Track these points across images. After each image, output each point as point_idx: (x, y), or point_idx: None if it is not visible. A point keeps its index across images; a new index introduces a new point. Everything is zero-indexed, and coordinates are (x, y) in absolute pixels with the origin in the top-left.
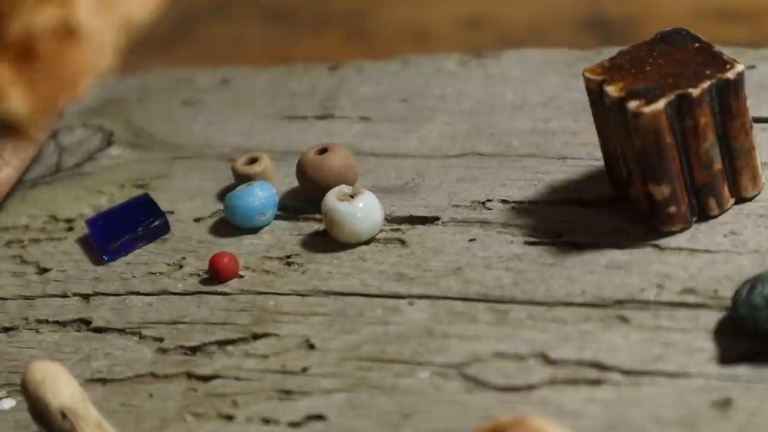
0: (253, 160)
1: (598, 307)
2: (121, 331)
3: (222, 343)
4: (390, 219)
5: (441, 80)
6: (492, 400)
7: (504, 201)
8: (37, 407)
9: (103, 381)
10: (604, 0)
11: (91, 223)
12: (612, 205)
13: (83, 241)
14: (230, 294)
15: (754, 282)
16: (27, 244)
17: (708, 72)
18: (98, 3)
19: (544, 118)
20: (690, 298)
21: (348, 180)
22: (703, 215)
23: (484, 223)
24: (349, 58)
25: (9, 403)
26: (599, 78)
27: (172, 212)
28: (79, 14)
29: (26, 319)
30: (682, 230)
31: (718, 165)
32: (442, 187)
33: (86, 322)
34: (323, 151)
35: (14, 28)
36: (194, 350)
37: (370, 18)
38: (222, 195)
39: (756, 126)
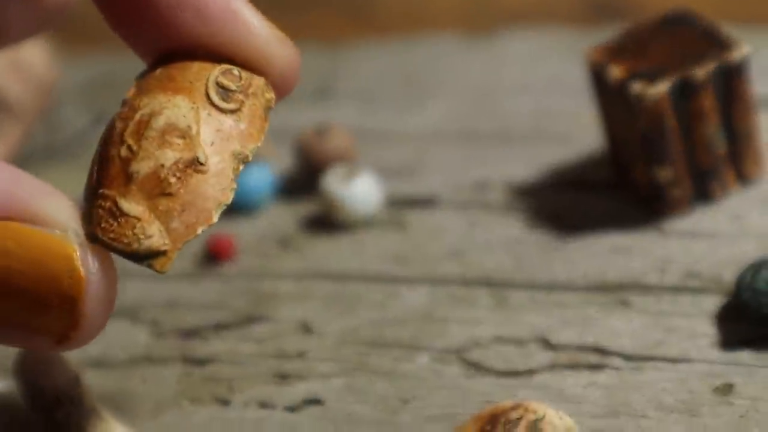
0: None
1: (600, 292)
2: (115, 314)
3: (218, 327)
4: (389, 201)
5: (442, 60)
6: (492, 384)
7: (505, 183)
8: (31, 391)
9: (97, 365)
10: None
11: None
12: (614, 188)
13: None
14: (226, 277)
15: (757, 266)
16: None
17: (712, 54)
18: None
19: (547, 99)
20: (693, 283)
21: (346, 161)
22: (707, 199)
23: (484, 205)
24: (348, 37)
25: (1, 387)
26: (601, 59)
27: None
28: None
29: None
30: (685, 214)
31: (721, 148)
32: (443, 169)
33: None
34: (322, 131)
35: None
36: (190, 334)
37: None
38: None
39: (761, 108)
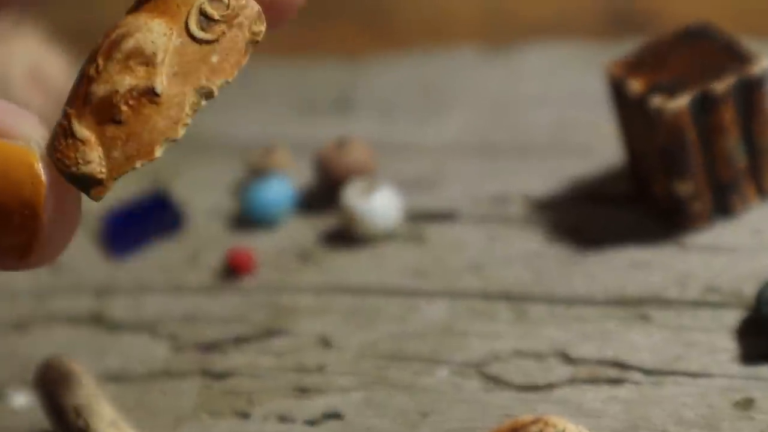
0: (269, 153)
1: (620, 306)
2: (135, 327)
3: (237, 340)
4: (408, 214)
5: (460, 72)
6: (511, 399)
7: (524, 196)
8: (51, 405)
9: (116, 379)
10: None
11: (104, 217)
12: (634, 201)
13: (96, 236)
14: (245, 290)
15: None
16: None
17: (732, 67)
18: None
19: (566, 111)
20: (713, 297)
21: (366, 174)
22: (727, 213)
23: (504, 218)
24: (367, 49)
25: (22, 401)
26: (621, 72)
27: (186, 206)
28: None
29: (37, 315)
30: (705, 228)
31: (742, 162)
32: (462, 182)
33: (99, 319)
34: (341, 144)
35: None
36: (209, 348)
37: (388, 8)
38: (237, 189)
39: None
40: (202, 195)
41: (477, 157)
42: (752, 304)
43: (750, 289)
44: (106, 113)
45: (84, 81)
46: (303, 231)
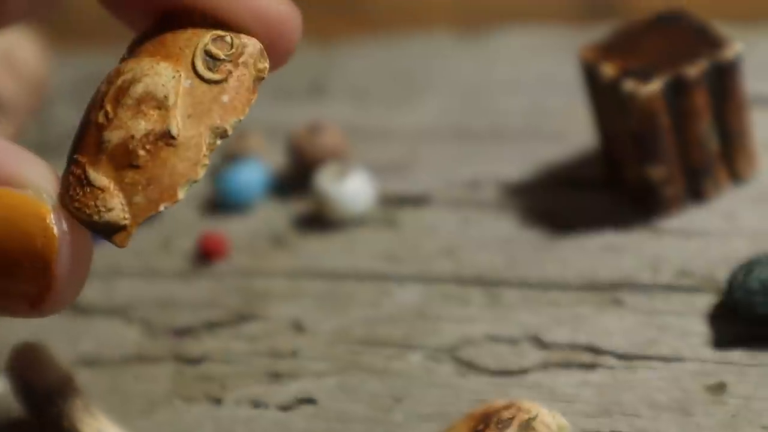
0: (242, 138)
1: (593, 290)
2: (108, 312)
3: (210, 326)
4: (382, 198)
5: (434, 57)
6: (484, 383)
7: (498, 181)
8: (23, 390)
9: (90, 364)
10: None
11: None
12: (607, 186)
13: None
14: (218, 275)
15: (750, 265)
16: None
17: (705, 52)
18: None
19: (539, 96)
20: (685, 282)
21: (339, 159)
22: (700, 197)
23: (477, 203)
24: (341, 34)
25: None
26: (594, 57)
27: None
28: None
29: None
30: (677, 212)
31: (714, 147)
32: (435, 167)
33: (72, 304)
34: (314, 129)
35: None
36: (182, 333)
37: None
38: (210, 173)
39: (754, 106)
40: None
41: (450, 141)
42: (725, 288)
43: (722, 274)
44: (123, 159)
45: (93, 128)
46: (276, 215)
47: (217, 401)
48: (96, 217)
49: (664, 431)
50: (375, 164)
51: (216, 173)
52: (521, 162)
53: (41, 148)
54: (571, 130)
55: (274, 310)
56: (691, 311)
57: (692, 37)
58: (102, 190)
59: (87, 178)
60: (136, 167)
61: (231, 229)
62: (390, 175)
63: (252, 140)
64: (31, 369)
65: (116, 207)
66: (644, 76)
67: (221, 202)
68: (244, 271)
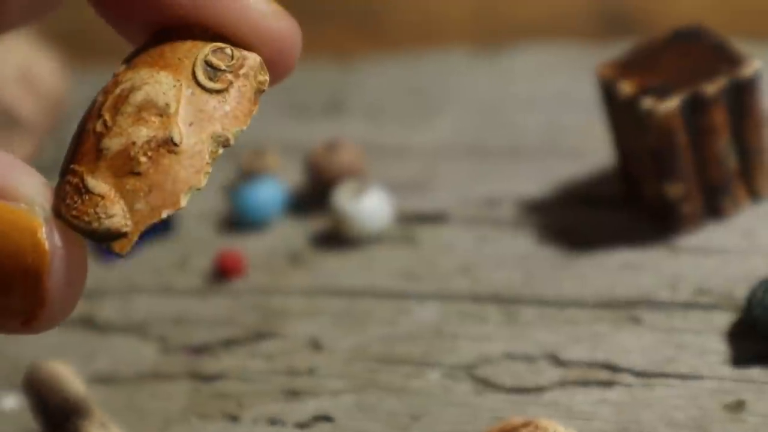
0: (259, 155)
1: (610, 308)
2: (124, 329)
3: (227, 343)
4: (399, 216)
5: (451, 74)
6: (502, 401)
7: (515, 198)
8: (40, 407)
9: (106, 381)
10: None
11: None
12: (625, 204)
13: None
14: (235, 293)
15: None
16: None
17: (723, 69)
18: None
19: (556, 114)
20: (704, 299)
21: (356, 176)
22: (718, 215)
23: (494, 221)
24: (358, 51)
25: (11, 403)
26: (612, 74)
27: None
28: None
29: None
30: (696, 230)
31: (732, 164)
32: (452, 184)
33: (89, 321)
34: (331, 146)
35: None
36: (198, 350)
37: (379, 10)
38: (227, 191)
39: None
40: (193, 197)
41: (468, 159)
42: (743, 306)
43: (741, 291)
44: (123, 166)
45: (89, 137)
46: (293, 233)
47: (234, 419)
48: (96, 224)
49: None
50: (392, 182)
51: (233, 191)
52: (538, 179)
53: (58, 166)
54: (589, 148)
55: (291, 327)
56: (710, 329)
57: (710, 54)
58: (102, 197)
59: (85, 186)
60: (138, 174)
61: (248, 246)
62: (407, 193)
63: (269, 158)
64: (47, 386)
65: (117, 213)
66: (662, 93)
67: (238, 220)
68: (261, 288)
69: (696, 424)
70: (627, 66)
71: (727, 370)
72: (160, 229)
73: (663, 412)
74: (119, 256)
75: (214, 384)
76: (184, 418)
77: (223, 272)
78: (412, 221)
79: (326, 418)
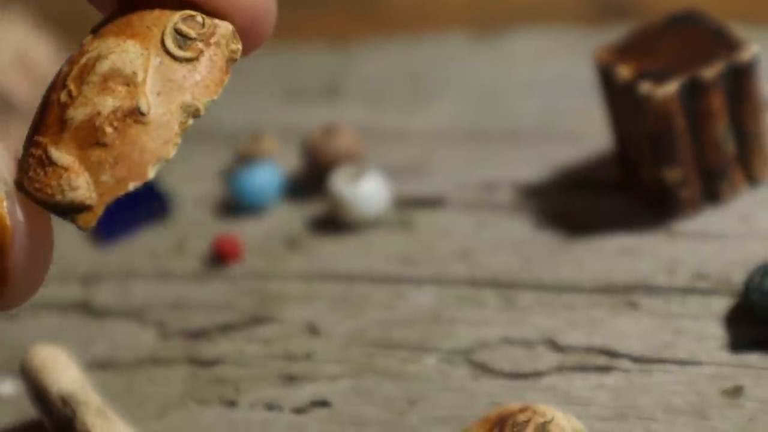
0: (256, 140)
1: (608, 293)
2: (122, 314)
3: (224, 328)
4: (396, 201)
5: (449, 59)
6: (499, 386)
7: (512, 183)
8: (37, 392)
9: (104, 366)
10: None
11: None
12: (622, 188)
13: None
14: (233, 277)
15: (766, 268)
16: None
17: (721, 54)
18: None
19: (554, 98)
20: (701, 284)
21: (354, 161)
22: (716, 200)
23: (492, 205)
24: (355, 35)
25: (8, 388)
26: (610, 59)
27: (173, 193)
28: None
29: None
30: (693, 214)
31: (730, 148)
32: (450, 169)
33: (86, 306)
34: (328, 131)
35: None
36: (196, 335)
37: None
38: (224, 175)
39: None
40: (190, 182)
41: (465, 143)
42: (741, 291)
43: (738, 276)
44: (88, 137)
45: (53, 107)
46: (290, 218)
47: (231, 404)
48: (59, 197)
49: None
50: (390, 166)
51: (230, 175)
52: (536, 164)
53: None
54: (587, 132)
55: (288, 312)
56: (708, 314)
57: (708, 38)
58: (66, 168)
59: (49, 157)
60: (103, 145)
61: (245, 231)
62: (405, 178)
63: (266, 142)
64: (44, 371)
65: (81, 186)
66: (660, 77)
67: (235, 205)
68: (258, 273)
69: (694, 409)
70: (625, 50)
71: (725, 356)
72: (158, 212)
73: (661, 397)
74: (83, 230)
75: (212, 369)
76: (181, 403)
77: (221, 257)
78: (410, 206)
79: (323, 403)
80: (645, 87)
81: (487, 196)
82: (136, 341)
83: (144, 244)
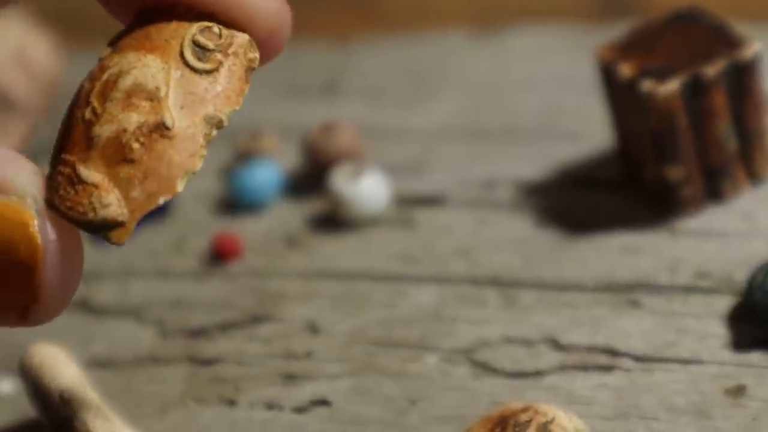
0: (256, 137)
1: (610, 292)
2: (121, 313)
3: (224, 327)
4: (397, 199)
5: (449, 56)
6: (501, 385)
7: (513, 181)
8: (36, 391)
9: (103, 365)
10: None
11: None
12: (624, 186)
13: None
14: (232, 276)
15: None
16: None
17: (723, 51)
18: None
19: (555, 95)
20: (704, 283)
21: (354, 158)
22: (718, 197)
23: (492, 203)
24: (355, 33)
25: (7, 387)
26: (611, 57)
27: None
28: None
29: None
30: (695, 213)
31: (733, 146)
32: (450, 167)
33: (85, 304)
34: (328, 128)
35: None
36: (196, 334)
37: None
38: (224, 172)
39: None
40: (189, 179)
41: (465, 141)
42: (744, 290)
43: (741, 275)
44: (116, 154)
45: (79, 125)
46: (290, 216)
47: (231, 403)
48: (92, 215)
49: None
50: (390, 164)
51: (230, 173)
52: (537, 162)
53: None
54: (588, 130)
55: (288, 311)
56: (710, 313)
57: (710, 36)
58: (96, 186)
59: (78, 175)
60: (131, 161)
61: (245, 229)
62: (405, 175)
63: (266, 140)
64: (43, 370)
65: (113, 203)
66: (662, 75)
67: (235, 202)
68: (258, 271)
69: (696, 409)
70: (626, 48)
71: (728, 355)
72: (156, 212)
73: (663, 396)
74: (116, 245)
75: (212, 368)
76: (181, 402)
77: (220, 255)
78: (410, 204)
79: (323, 402)
80: (647, 85)
81: (487, 194)
82: (135, 340)
83: (143, 243)
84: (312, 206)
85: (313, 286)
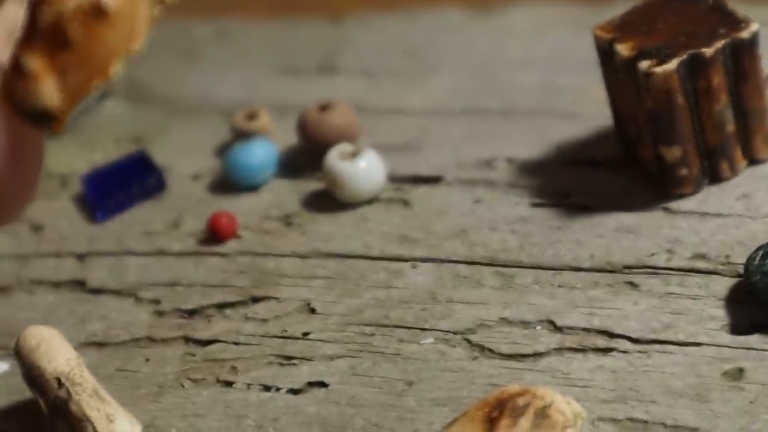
0: (252, 116)
1: (607, 272)
2: (117, 292)
3: (220, 306)
4: (393, 178)
5: (446, 34)
6: (498, 367)
7: (510, 160)
8: (32, 373)
9: (99, 345)
10: None
11: (86, 179)
12: (621, 166)
13: (77, 199)
14: (228, 255)
15: (766, 248)
16: None
17: (722, 31)
18: None
19: (552, 74)
20: (701, 264)
21: (350, 138)
22: (715, 178)
23: (489, 183)
24: (351, 9)
25: (3, 367)
26: (610, 36)
27: (169, 169)
28: None
29: (20, 279)
30: (693, 193)
31: (730, 126)
32: (447, 146)
33: (81, 283)
34: (324, 107)
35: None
36: (192, 313)
37: None
38: (220, 151)
39: None
40: (185, 157)
41: (462, 120)
42: (741, 272)
43: (738, 256)
44: (55, 39)
45: (31, 15)
46: (286, 195)
47: (228, 384)
48: (31, 103)
49: (680, 418)
50: (386, 143)
51: (226, 151)
52: (534, 141)
53: None
54: (585, 109)
55: (285, 291)
56: (707, 295)
57: (708, 16)
58: (34, 74)
59: (21, 66)
60: (69, 46)
61: (241, 208)
62: (401, 155)
63: (262, 118)
64: (38, 351)
65: (48, 91)
66: (660, 55)
67: (231, 181)
68: (255, 250)
69: (694, 391)
70: (624, 27)
71: (726, 337)
72: (153, 188)
73: (660, 379)
74: (53, 135)
75: (208, 348)
76: (177, 382)
77: (216, 234)
78: (406, 183)
79: (320, 384)
80: (645, 64)
81: (484, 173)
82: (131, 320)
83: (139, 222)
84: (308, 185)
85: (309, 265)
